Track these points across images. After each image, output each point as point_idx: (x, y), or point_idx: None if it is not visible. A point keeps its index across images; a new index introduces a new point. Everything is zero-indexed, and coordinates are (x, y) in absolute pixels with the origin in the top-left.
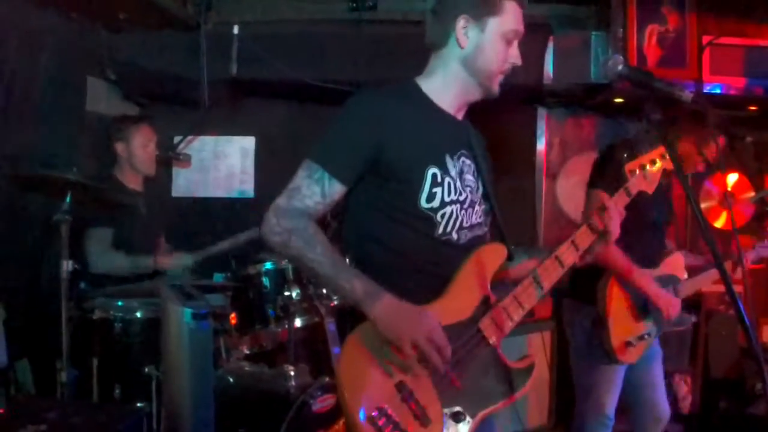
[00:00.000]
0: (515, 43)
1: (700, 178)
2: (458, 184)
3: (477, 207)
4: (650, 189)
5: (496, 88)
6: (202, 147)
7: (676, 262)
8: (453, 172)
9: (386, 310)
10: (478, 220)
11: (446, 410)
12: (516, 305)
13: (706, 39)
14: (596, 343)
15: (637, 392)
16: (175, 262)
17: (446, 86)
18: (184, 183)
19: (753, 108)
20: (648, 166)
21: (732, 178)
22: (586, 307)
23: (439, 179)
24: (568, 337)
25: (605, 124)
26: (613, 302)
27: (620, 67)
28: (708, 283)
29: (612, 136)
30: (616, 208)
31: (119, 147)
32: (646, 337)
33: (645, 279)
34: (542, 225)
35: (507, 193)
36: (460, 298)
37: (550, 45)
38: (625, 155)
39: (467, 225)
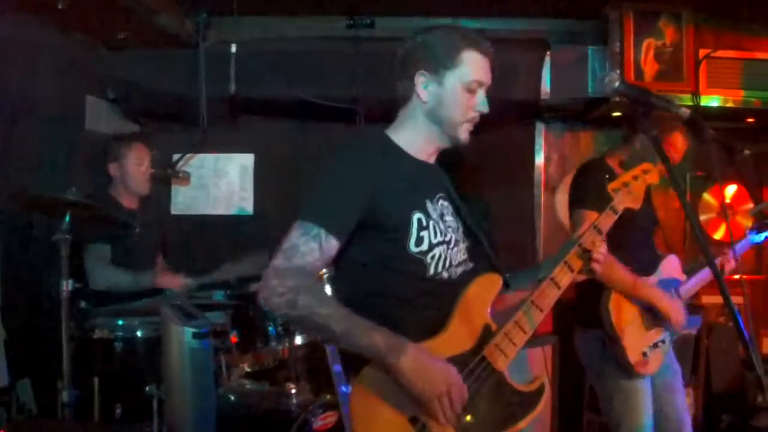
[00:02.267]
0: (480, 92)
1: (700, 190)
2: (441, 226)
3: (461, 245)
4: (636, 205)
5: (463, 137)
6: (201, 165)
7: (672, 265)
8: (435, 216)
9: (413, 363)
10: (464, 257)
11: None
12: (518, 330)
13: (703, 52)
14: (612, 362)
15: (657, 408)
16: (176, 282)
17: (415, 137)
18: (183, 201)
19: (751, 120)
20: (631, 183)
21: (731, 190)
22: (594, 330)
23: (424, 223)
24: (586, 367)
25: (603, 138)
26: (621, 317)
27: (617, 84)
28: (708, 280)
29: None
30: (596, 246)
31: (112, 167)
32: (660, 344)
33: (650, 290)
34: (542, 239)
35: (506, 208)
36: (461, 330)
37: (548, 60)
38: (607, 176)
39: (455, 263)
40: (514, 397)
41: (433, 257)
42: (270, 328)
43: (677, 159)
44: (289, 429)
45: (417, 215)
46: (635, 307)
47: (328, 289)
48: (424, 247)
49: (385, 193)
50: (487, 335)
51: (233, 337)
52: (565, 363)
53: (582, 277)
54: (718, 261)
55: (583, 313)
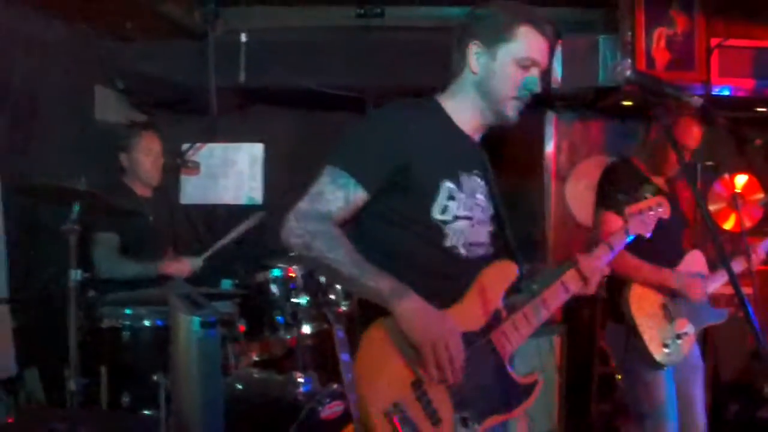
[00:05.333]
0: (534, 70)
1: (710, 180)
2: (469, 201)
3: (485, 227)
4: (646, 233)
5: (510, 114)
6: (210, 154)
7: (696, 259)
8: (466, 189)
9: (412, 309)
10: (485, 240)
11: (456, 414)
12: (525, 322)
13: (714, 41)
14: (635, 353)
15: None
16: (183, 266)
17: (463, 109)
18: (193, 190)
19: (762, 109)
20: (645, 212)
21: (741, 179)
22: (618, 324)
23: (453, 194)
24: (614, 359)
25: (614, 127)
26: (641, 310)
27: (628, 73)
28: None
29: (620, 139)
30: (596, 269)
31: (122, 157)
32: (683, 336)
33: (658, 272)
34: (551, 228)
35: (516, 196)
36: (472, 309)
37: (559, 49)
38: (621, 196)
39: (474, 242)
40: (509, 385)
41: (453, 229)
42: (278, 317)
43: (693, 145)
44: (296, 418)
45: (448, 184)
46: (656, 300)
47: None
48: (448, 216)
49: (420, 156)
50: (496, 320)
51: (241, 326)
52: (574, 352)
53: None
54: (743, 254)
55: (610, 306)
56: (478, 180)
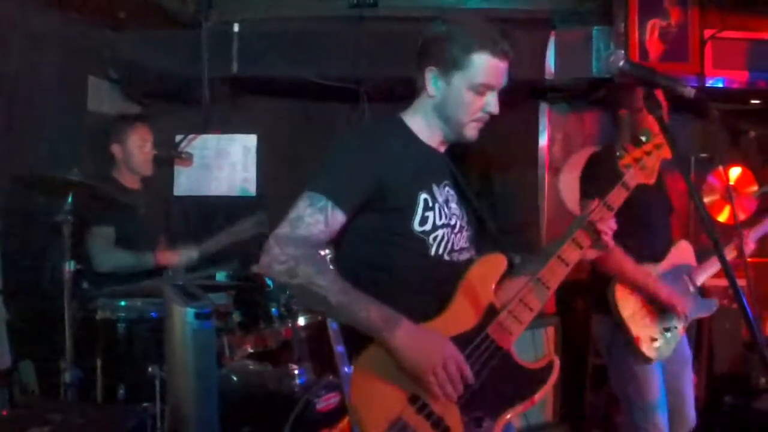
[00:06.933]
0: (491, 93)
1: (704, 172)
2: (446, 210)
3: (464, 233)
4: (650, 180)
5: (469, 135)
6: (203, 145)
7: (684, 250)
8: (440, 200)
9: (407, 339)
10: (467, 245)
11: (466, 417)
12: (523, 307)
13: (708, 33)
14: (622, 346)
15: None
16: (180, 257)
17: (425, 127)
18: (186, 181)
19: (756, 101)
20: (643, 158)
21: (735, 172)
22: (605, 316)
23: (430, 204)
24: (600, 349)
25: (607, 118)
26: (627, 304)
27: (622, 63)
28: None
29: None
30: (604, 221)
31: (115, 148)
32: (672, 329)
33: (650, 282)
34: (545, 220)
35: (510, 188)
36: (465, 309)
37: (552, 40)
38: (618, 153)
39: (457, 248)
40: (521, 374)
41: (435, 238)
42: (273, 309)
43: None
44: (291, 410)
45: (423, 195)
46: (642, 293)
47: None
48: (428, 227)
49: (394, 173)
50: (491, 314)
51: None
52: (568, 344)
53: (592, 255)
54: (733, 244)
55: (595, 297)
56: (449, 190)
